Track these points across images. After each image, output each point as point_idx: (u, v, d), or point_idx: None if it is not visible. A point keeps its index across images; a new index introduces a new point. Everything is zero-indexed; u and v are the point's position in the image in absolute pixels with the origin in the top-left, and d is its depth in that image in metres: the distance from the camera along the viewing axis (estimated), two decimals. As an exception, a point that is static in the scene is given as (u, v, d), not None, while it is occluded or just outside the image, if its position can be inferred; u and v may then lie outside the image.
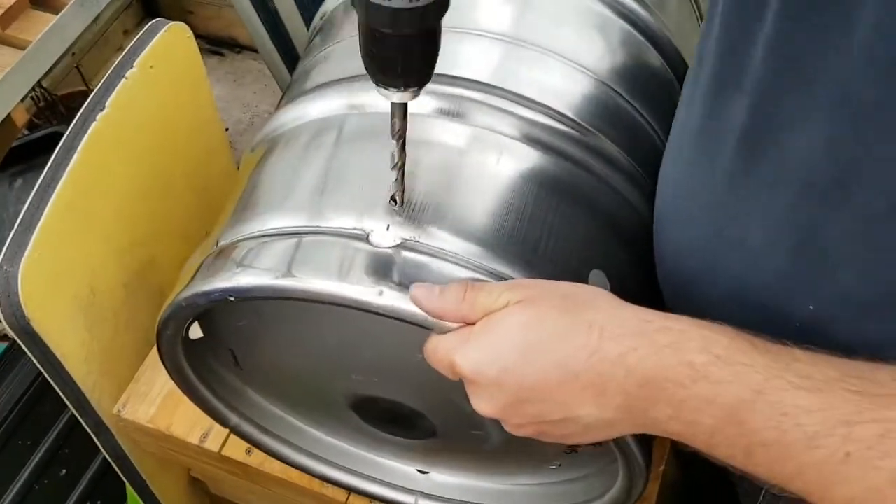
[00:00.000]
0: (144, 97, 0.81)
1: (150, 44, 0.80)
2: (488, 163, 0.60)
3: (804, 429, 0.39)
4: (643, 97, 0.71)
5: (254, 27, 1.30)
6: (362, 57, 0.47)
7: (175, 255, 0.90)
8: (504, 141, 0.61)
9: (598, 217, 0.63)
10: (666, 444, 0.98)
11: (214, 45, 1.91)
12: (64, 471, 1.09)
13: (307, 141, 0.64)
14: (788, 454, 0.40)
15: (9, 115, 1.11)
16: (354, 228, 0.55)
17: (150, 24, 0.82)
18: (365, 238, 0.55)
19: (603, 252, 0.62)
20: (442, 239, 0.55)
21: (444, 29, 0.47)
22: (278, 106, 0.73)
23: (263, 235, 0.57)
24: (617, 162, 0.66)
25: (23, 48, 1.11)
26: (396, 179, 0.55)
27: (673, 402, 0.43)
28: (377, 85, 0.48)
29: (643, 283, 0.63)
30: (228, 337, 0.68)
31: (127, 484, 0.93)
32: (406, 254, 0.54)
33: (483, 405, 0.49)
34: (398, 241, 0.55)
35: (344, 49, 0.73)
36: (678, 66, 0.77)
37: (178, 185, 0.91)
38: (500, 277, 0.55)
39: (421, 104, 0.60)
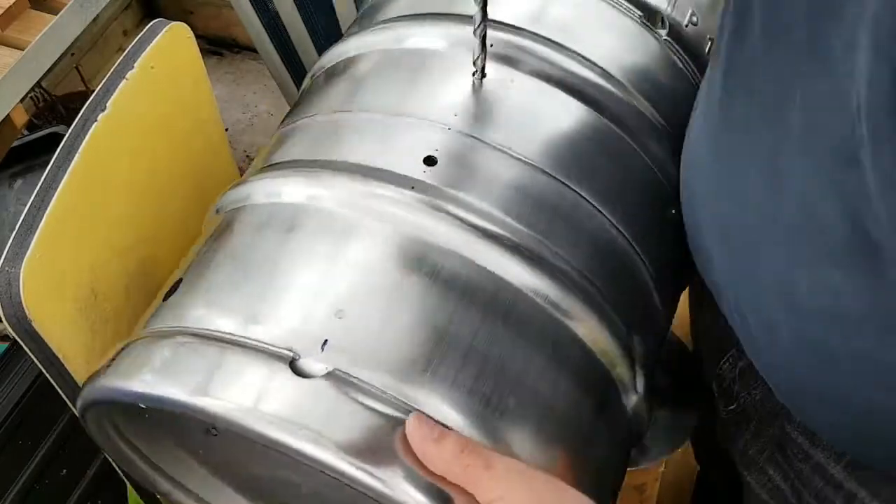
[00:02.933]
0: (145, 97, 0.81)
1: (151, 44, 0.80)
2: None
3: None
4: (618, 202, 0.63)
5: (253, 28, 1.30)
6: None
7: (176, 256, 0.90)
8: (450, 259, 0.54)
9: (548, 353, 0.55)
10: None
11: (214, 45, 1.91)
12: (65, 471, 1.09)
13: (264, 229, 0.60)
14: None
15: (8, 116, 1.11)
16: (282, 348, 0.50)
17: (150, 24, 0.82)
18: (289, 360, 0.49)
19: (552, 393, 0.54)
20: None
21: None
22: (264, 157, 0.71)
23: (192, 334, 0.54)
24: (579, 285, 0.57)
25: (22, 48, 1.10)
26: (479, 47, 0.57)
27: None
28: None
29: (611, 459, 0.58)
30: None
31: (128, 485, 0.93)
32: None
33: None
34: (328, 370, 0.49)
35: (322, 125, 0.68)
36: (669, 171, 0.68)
37: (178, 185, 0.91)
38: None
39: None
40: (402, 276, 0.53)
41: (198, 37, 0.88)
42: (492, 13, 0.61)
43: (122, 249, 0.83)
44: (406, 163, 0.57)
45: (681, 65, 0.70)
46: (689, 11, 0.70)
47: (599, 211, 0.60)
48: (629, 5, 0.68)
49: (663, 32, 0.68)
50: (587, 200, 0.60)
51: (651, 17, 0.69)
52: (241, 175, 0.80)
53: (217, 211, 0.68)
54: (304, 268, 0.55)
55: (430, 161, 0.57)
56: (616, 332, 0.58)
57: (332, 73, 0.71)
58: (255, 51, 1.66)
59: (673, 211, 0.66)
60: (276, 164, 0.66)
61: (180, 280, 0.62)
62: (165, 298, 0.62)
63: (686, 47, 0.70)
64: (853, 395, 0.50)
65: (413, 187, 0.55)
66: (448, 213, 0.55)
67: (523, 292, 0.54)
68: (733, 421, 0.68)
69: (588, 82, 0.64)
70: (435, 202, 0.55)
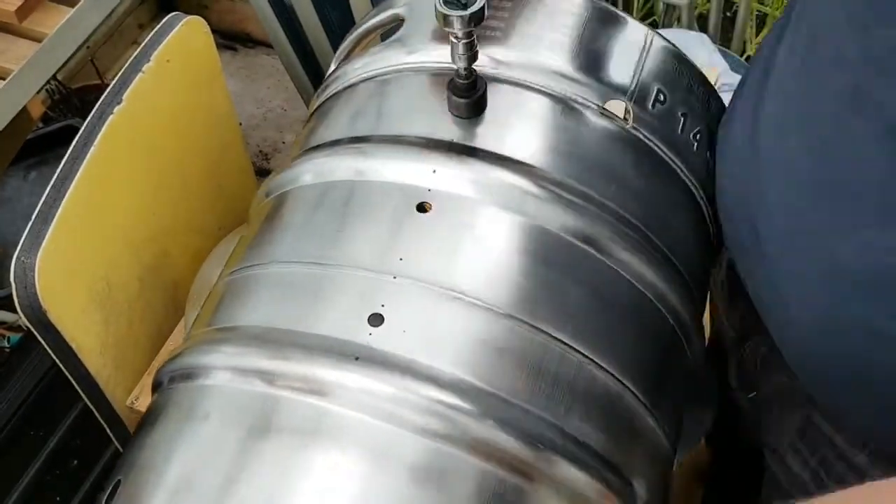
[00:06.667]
0: (161, 91, 0.81)
1: (168, 37, 0.81)
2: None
3: None
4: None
5: (268, 23, 1.30)
6: None
7: (189, 250, 0.91)
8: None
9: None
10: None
11: (228, 39, 1.91)
12: (76, 462, 1.10)
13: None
14: None
15: (25, 108, 1.11)
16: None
17: (167, 17, 0.83)
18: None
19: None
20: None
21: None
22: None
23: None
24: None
25: (39, 40, 1.11)
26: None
27: None
28: None
29: None
30: None
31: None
32: None
33: None
34: None
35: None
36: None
37: (192, 179, 0.91)
38: None
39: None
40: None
41: (212, 31, 0.88)
42: (433, 131, 0.58)
43: (137, 242, 0.83)
44: (352, 327, 0.50)
45: (654, 150, 0.61)
46: (655, 90, 0.63)
47: (588, 357, 0.52)
48: (585, 97, 0.60)
49: (628, 121, 0.60)
50: (570, 346, 0.52)
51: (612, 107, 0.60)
52: (254, 169, 0.79)
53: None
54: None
55: (375, 320, 0.50)
56: (614, 486, 0.52)
57: (272, 211, 0.63)
58: (269, 46, 1.66)
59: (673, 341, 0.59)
60: (222, 328, 0.57)
61: None
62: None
63: (655, 129, 0.61)
64: (880, 373, 0.50)
65: (357, 357, 0.49)
66: (402, 391, 0.48)
67: (499, 476, 0.48)
68: (755, 409, 0.69)
69: (548, 200, 0.55)
70: (384, 376, 0.48)
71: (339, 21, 1.27)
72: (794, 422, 0.64)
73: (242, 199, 1.02)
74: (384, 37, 0.71)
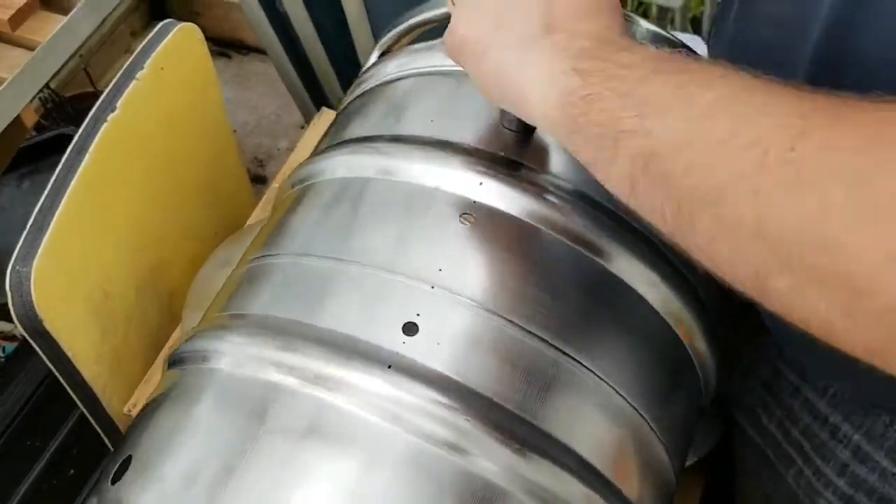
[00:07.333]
0: (154, 98, 0.81)
1: (161, 45, 0.81)
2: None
3: None
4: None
5: (262, 30, 1.30)
6: None
7: (185, 258, 0.91)
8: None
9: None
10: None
11: (222, 46, 1.91)
12: (72, 470, 1.09)
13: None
14: None
15: (18, 116, 1.11)
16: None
17: (160, 25, 0.82)
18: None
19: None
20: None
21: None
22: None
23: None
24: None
25: (32, 49, 1.11)
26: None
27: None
28: None
29: None
30: None
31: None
32: None
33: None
34: None
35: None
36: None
37: (187, 186, 0.91)
38: None
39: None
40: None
41: (206, 38, 0.88)
42: (483, 141, 0.57)
43: (133, 250, 0.83)
44: (385, 333, 0.50)
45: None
46: None
47: (603, 380, 0.53)
48: None
49: None
50: (588, 369, 0.52)
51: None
52: (249, 176, 0.79)
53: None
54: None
55: (410, 329, 0.50)
56: None
57: (303, 201, 0.62)
58: (262, 52, 1.66)
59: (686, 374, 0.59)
60: (240, 314, 0.57)
61: None
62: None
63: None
64: None
65: (390, 366, 0.49)
66: (428, 403, 0.48)
67: (509, 491, 0.48)
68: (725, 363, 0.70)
69: (589, 225, 0.55)
70: (411, 387, 0.48)
71: (333, 27, 1.27)
72: (761, 376, 0.66)
73: (238, 206, 1.02)
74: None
